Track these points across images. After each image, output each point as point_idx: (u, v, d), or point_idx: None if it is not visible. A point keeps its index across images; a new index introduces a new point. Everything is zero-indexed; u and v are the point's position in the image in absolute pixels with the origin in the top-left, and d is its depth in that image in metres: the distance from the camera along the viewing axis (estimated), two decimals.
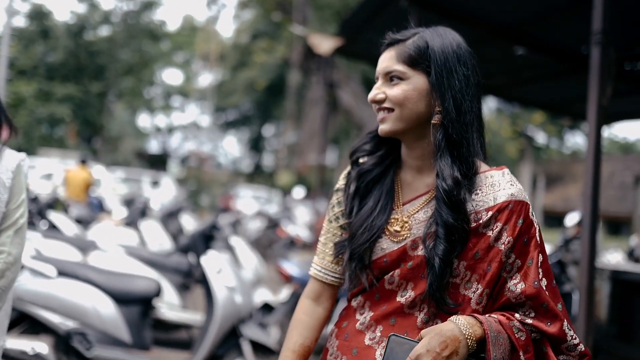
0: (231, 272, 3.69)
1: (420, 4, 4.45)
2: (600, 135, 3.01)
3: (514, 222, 1.26)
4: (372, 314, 1.36)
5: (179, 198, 10.81)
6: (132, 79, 25.84)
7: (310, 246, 9.78)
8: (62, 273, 3.36)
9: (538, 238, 1.29)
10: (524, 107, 13.39)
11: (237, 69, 29.30)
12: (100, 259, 4.30)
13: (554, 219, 23.06)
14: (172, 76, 51.19)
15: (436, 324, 1.26)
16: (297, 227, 11.06)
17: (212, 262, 3.65)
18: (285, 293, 4.87)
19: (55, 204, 7.68)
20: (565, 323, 1.25)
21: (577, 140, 30.70)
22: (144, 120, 35.55)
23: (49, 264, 3.33)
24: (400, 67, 1.32)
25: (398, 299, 1.33)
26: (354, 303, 1.43)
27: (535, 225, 1.30)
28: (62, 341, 3.22)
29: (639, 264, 7.12)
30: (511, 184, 1.30)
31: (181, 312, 4.49)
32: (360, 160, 1.45)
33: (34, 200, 6.51)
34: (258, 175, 34.84)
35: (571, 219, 6.26)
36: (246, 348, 3.55)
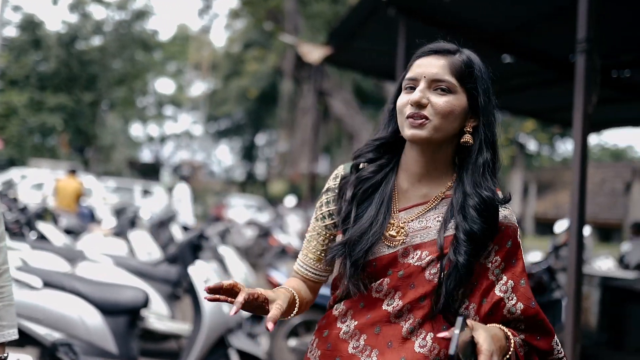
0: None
1: (408, 12, 4.48)
2: (586, 143, 3.02)
3: (503, 243, 1.32)
4: (356, 322, 1.36)
5: (170, 207, 10.75)
6: (124, 88, 25.81)
7: None
8: (48, 284, 3.32)
9: (523, 259, 1.36)
10: (513, 115, 13.44)
11: (229, 78, 29.33)
12: (88, 269, 4.27)
13: (546, 226, 23.09)
14: (164, 86, 51.05)
15: (420, 334, 1.29)
16: (289, 235, 11.01)
17: (200, 272, 3.63)
18: None
19: (44, 214, 7.62)
20: (556, 338, 1.33)
21: (568, 147, 30.85)
22: (136, 129, 35.48)
23: (34, 275, 3.30)
24: (452, 80, 1.32)
25: (384, 307, 1.33)
26: (335, 312, 1.42)
27: (521, 247, 1.36)
28: (48, 353, 3.18)
29: (630, 270, 7.14)
30: (504, 207, 1.35)
31: (170, 322, 4.45)
32: (360, 166, 1.44)
33: (22, 210, 6.45)
34: (251, 184, 34.80)
35: (560, 225, 6.28)
36: (234, 358, 3.52)
